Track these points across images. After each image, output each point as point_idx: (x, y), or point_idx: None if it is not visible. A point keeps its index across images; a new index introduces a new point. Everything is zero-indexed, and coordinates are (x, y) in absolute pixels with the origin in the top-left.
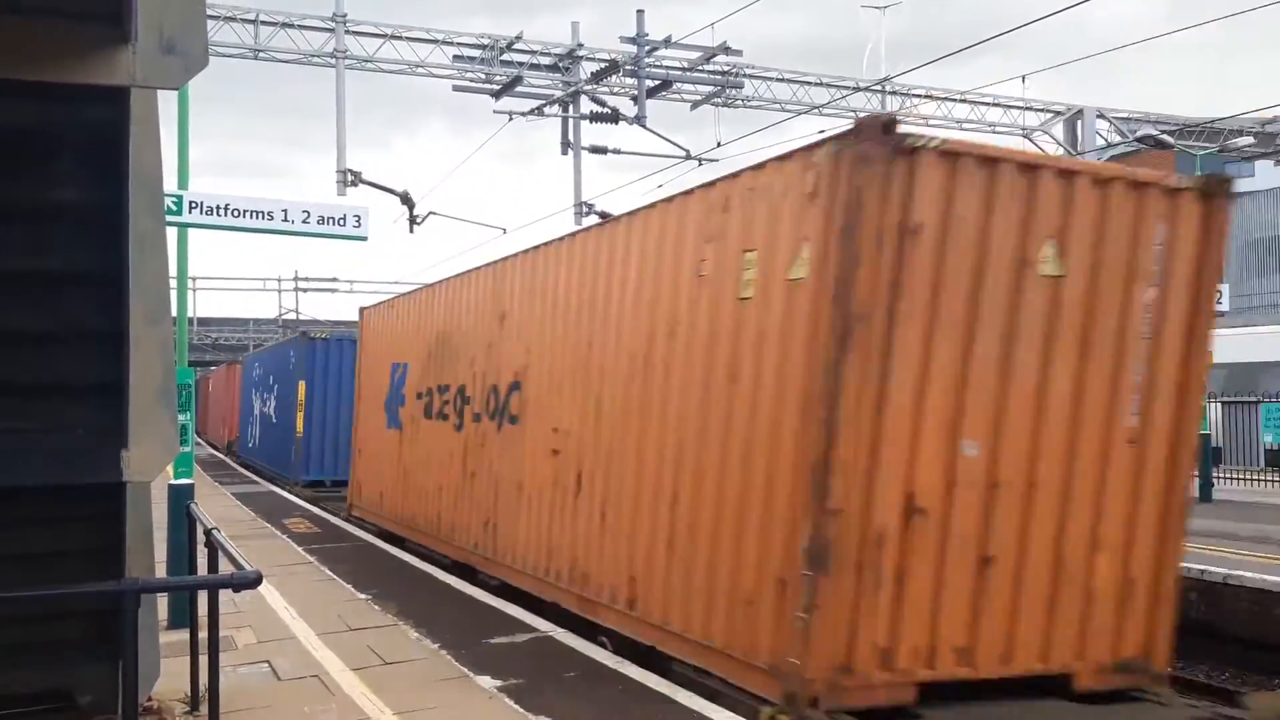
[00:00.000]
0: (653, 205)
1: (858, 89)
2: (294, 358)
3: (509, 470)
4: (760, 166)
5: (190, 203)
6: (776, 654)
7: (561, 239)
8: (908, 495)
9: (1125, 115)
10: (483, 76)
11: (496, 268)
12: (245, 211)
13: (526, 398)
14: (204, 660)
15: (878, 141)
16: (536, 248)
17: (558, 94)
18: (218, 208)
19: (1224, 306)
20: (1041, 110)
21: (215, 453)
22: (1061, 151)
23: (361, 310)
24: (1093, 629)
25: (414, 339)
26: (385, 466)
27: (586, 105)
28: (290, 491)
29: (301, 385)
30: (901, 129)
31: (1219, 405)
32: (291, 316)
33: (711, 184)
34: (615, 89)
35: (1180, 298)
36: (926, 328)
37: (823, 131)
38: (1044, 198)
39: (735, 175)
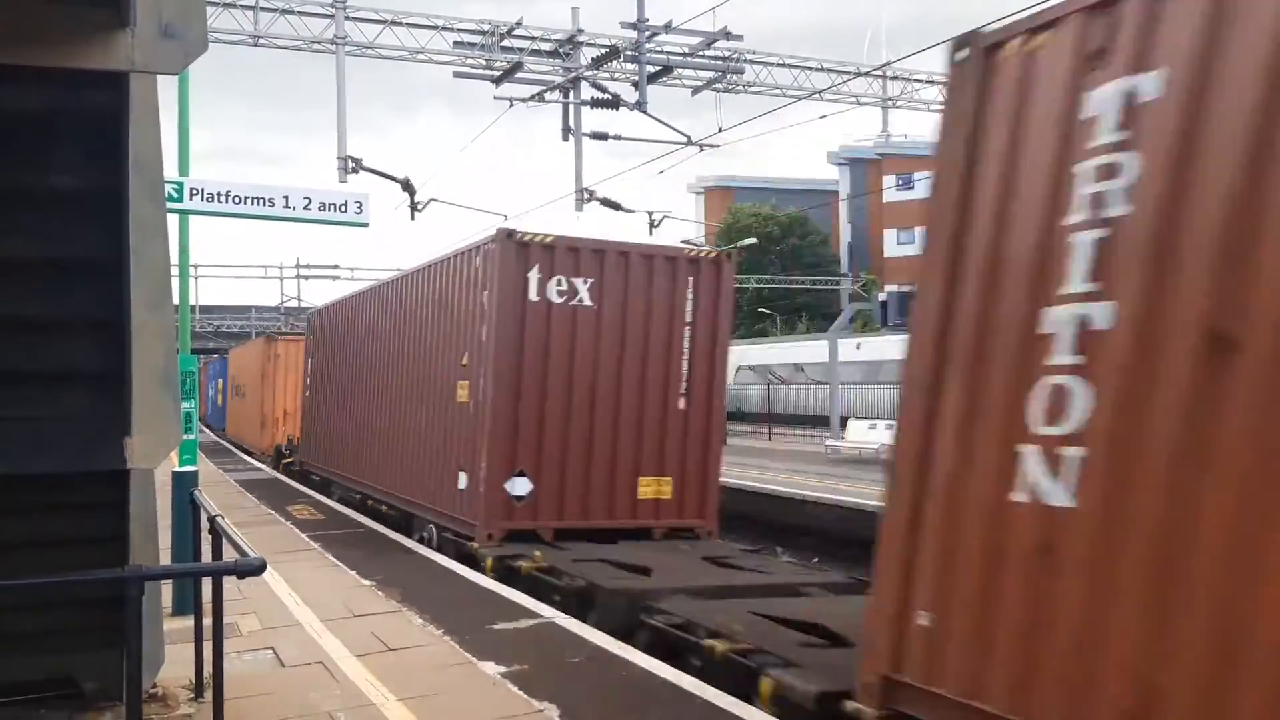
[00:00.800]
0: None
1: (859, 74)
2: (220, 365)
3: (244, 412)
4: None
5: (191, 189)
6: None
7: (252, 341)
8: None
9: None
10: (483, 63)
11: (248, 344)
12: (246, 198)
13: (245, 390)
14: (208, 647)
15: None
16: (257, 339)
17: (558, 80)
18: (219, 194)
19: None
20: None
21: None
22: None
23: (230, 351)
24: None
25: (237, 367)
26: (232, 415)
27: (587, 91)
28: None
29: (220, 381)
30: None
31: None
32: (294, 304)
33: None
34: (616, 75)
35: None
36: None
37: (824, 116)
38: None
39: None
